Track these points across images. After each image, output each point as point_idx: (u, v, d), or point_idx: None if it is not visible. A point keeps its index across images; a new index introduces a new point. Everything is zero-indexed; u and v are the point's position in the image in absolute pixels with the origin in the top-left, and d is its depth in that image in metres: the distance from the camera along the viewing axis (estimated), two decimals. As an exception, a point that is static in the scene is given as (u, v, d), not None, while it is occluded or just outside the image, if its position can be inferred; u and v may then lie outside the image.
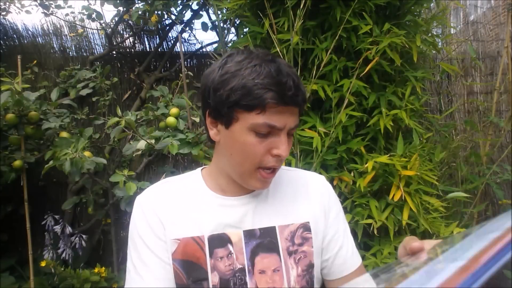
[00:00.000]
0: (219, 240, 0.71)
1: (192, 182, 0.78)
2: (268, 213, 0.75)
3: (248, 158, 0.67)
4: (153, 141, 1.86)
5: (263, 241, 0.73)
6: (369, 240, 1.67)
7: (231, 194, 0.75)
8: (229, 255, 0.71)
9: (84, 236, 2.23)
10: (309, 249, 0.75)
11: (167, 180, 0.79)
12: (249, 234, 0.72)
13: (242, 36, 1.95)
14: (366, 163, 1.59)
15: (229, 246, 0.72)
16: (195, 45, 2.93)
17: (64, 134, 2.04)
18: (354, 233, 1.45)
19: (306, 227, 0.76)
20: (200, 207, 0.74)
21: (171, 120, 1.95)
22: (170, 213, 0.73)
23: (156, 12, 2.40)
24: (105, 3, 2.54)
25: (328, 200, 0.81)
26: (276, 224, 0.74)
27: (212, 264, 0.70)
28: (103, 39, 2.77)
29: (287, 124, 0.66)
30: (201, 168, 0.82)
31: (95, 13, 2.54)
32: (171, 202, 0.74)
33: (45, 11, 2.65)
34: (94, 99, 2.54)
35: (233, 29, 2.13)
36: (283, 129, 0.66)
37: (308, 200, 0.79)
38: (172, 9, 2.57)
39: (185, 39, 2.85)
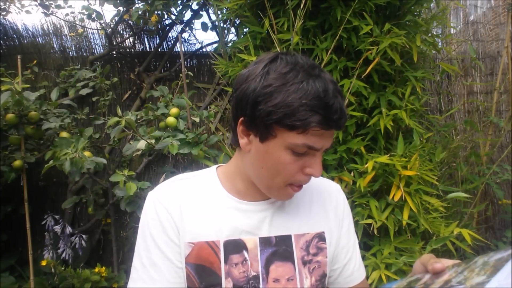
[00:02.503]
0: (235, 246, 0.70)
1: (207, 181, 0.76)
2: (284, 221, 0.74)
3: (280, 174, 0.66)
4: (153, 141, 1.86)
5: (278, 249, 0.71)
6: (369, 240, 1.67)
7: (248, 198, 0.74)
8: (244, 262, 0.70)
9: (84, 236, 2.22)
10: (323, 259, 0.74)
11: (182, 177, 0.77)
12: (264, 242, 0.71)
13: (242, 36, 1.95)
14: (366, 163, 1.59)
15: (244, 252, 0.70)
16: (195, 45, 2.94)
17: (64, 134, 2.04)
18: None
19: (321, 237, 0.75)
20: (216, 210, 0.72)
21: (171, 120, 1.95)
22: (184, 215, 0.71)
23: (156, 12, 2.40)
24: (105, 3, 2.54)
25: (342, 210, 0.81)
26: (292, 232, 0.73)
27: (227, 270, 0.69)
28: (103, 39, 2.77)
29: (325, 145, 0.64)
30: (216, 166, 0.80)
31: (95, 13, 2.54)
32: (186, 202, 0.72)
33: (45, 11, 2.65)
34: (94, 99, 2.53)
35: (233, 29, 2.13)
36: (320, 150, 0.65)
37: (324, 209, 0.78)
38: (172, 9, 2.57)
39: (185, 39, 2.85)
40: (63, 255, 2.18)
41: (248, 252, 0.70)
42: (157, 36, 2.81)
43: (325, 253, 0.74)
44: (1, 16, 2.71)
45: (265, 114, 0.61)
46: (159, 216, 0.71)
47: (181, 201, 0.72)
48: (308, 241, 0.73)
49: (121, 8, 2.52)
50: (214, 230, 0.70)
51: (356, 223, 1.59)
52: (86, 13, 2.53)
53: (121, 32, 2.85)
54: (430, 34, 1.92)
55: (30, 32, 2.82)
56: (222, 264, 0.69)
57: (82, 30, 2.73)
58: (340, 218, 0.80)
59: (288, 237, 0.72)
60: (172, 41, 2.83)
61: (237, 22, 2.05)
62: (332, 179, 1.68)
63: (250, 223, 0.72)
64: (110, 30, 2.62)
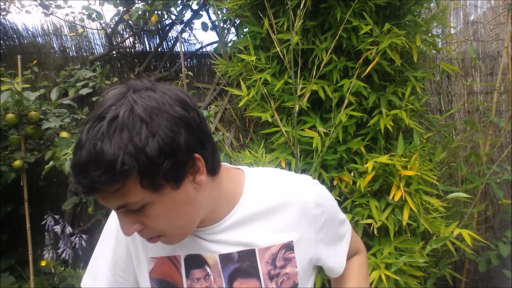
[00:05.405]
0: (196, 261, 0.67)
1: None
2: (246, 236, 0.68)
3: None
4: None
5: (241, 265, 0.67)
6: (369, 240, 1.67)
7: (205, 223, 0.68)
8: (207, 277, 0.67)
9: (84, 236, 2.22)
10: (293, 270, 0.68)
11: None
12: (225, 258, 0.67)
13: (242, 36, 1.95)
14: (366, 163, 1.59)
15: (207, 267, 0.67)
16: (195, 45, 2.93)
17: (64, 134, 2.04)
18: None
19: (289, 247, 0.68)
20: None
21: (171, 120, 1.95)
22: None
23: (156, 12, 2.40)
24: (105, 3, 2.54)
25: (317, 218, 0.71)
26: (256, 247, 0.67)
27: (188, 285, 0.67)
28: (103, 39, 2.77)
29: (109, 205, 0.56)
30: None
31: (95, 13, 2.54)
32: None
33: (45, 11, 2.65)
34: (94, 99, 2.53)
35: (233, 29, 2.13)
36: (116, 209, 0.57)
37: (291, 218, 0.69)
38: (172, 9, 2.57)
39: (185, 39, 2.85)
40: (63, 255, 2.18)
41: (210, 267, 0.67)
42: (157, 36, 2.81)
43: (294, 263, 0.68)
44: (1, 16, 2.71)
45: None
46: (117, 229, 0.71)
47: None
48: (274, 254, 0.67)
49: (121, 8, 2.52)
50: (175, 245, 0.67)
51: (356, 223, 1.59)
52: (86, 13, 2.53)
53: (121, 32, 2.85)
54: (430, 34, 1.92)
55: (30, 32, 2.82)
56: (183, 279, 0.67)
57: (82, 30, 2.72)
58: (317, 226, 0.71)
59: (252, 252, 0.67)
60: (172, 41, 2.82)
61: (237, 22, 2.06)
62: (332, 179, 1.68)
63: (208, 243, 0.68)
64: (110, 30, 2.62)
